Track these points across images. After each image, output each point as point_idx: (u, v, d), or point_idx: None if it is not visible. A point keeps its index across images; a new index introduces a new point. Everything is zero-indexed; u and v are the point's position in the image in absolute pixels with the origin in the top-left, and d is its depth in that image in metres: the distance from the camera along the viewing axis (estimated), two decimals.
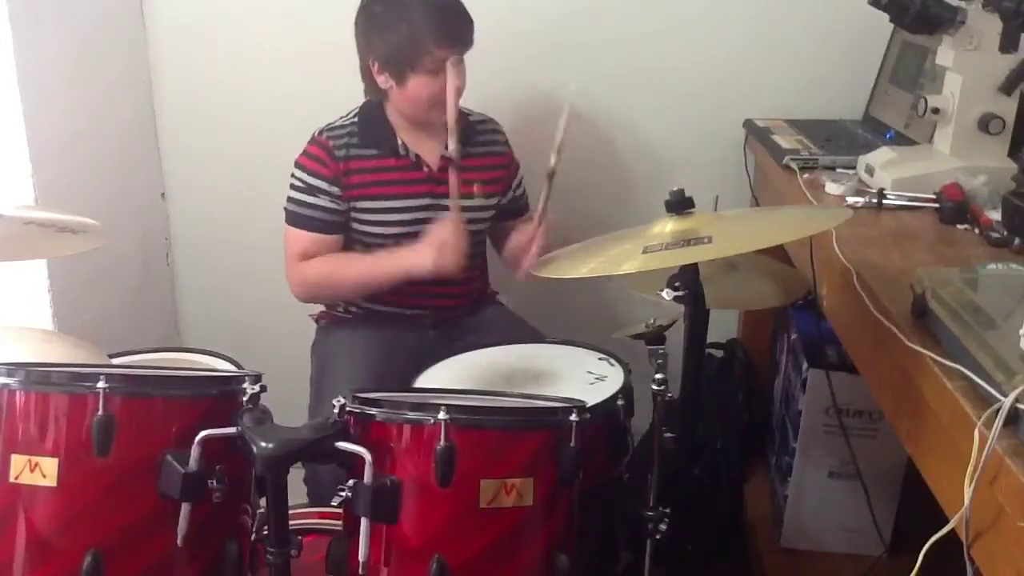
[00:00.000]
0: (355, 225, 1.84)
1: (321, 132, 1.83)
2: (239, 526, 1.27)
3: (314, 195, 1.80)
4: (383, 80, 1.77)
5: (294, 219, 1.82)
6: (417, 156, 1.84)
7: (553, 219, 1.74)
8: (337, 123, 1.85)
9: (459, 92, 1.69)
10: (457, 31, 1.71)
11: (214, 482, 1.18)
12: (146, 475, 1.16)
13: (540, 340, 1.82)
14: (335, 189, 1.80)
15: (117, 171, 2.15)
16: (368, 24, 1.76)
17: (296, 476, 1.36)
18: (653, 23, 2.18)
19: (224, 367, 1.55)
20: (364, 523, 1.19)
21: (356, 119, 1.85)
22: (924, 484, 1.03)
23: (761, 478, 2.22)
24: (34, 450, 1.15)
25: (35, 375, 1.18)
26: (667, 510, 1.37)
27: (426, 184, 1.84)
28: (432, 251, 1.68)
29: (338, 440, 1.20)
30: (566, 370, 1.64)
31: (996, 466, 0.82)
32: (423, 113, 1.78)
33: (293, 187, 1.83)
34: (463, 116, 1.92)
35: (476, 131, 1.92)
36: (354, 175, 1.81)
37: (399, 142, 1.83)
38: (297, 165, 1.83)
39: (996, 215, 1.37)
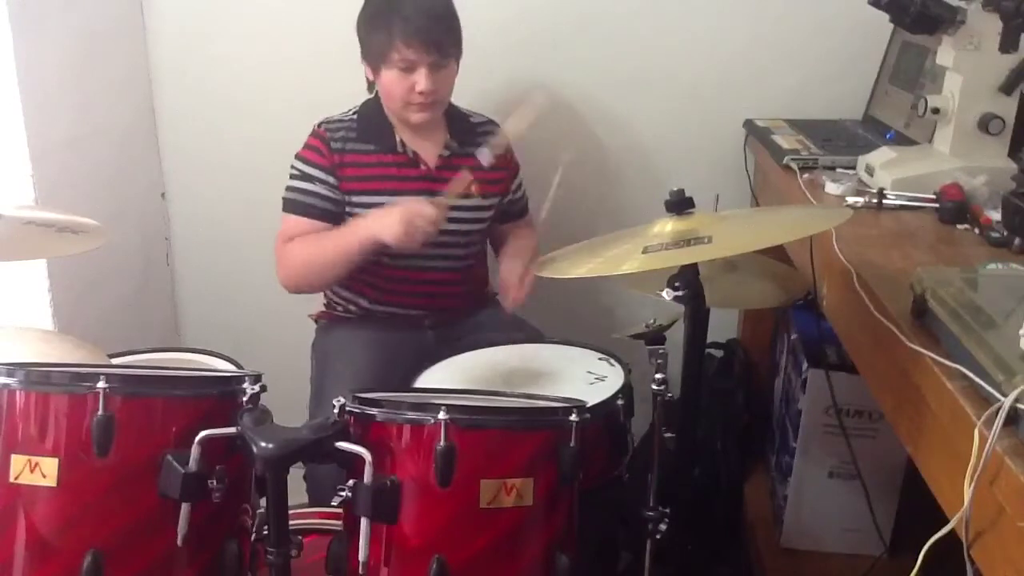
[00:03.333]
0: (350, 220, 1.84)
1: (320, 124, 1.86)
2: (239, 526, 1.27)
3: (310, 182, 1.81)
4: (368, 72, 1.81)
5: (290, 206, 1.83)
6: (415, 153, 1.84)
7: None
8: (336, 117, 1.87)
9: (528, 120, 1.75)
10: (428, 34, 1.71)
11: (214, 482, 1.18)
12: (146, 475, 1.16)
13: (540, 340, 1.82)
14: (331, 179, 1.81)
15: (117, 171, 2.14)
16: (360, 17, 1.78)
17: (296, 476, 1.36)
18: (653, 23, 2.18)
19: (224, 367, 1.55)
20: (364, 523, 1.19)
21: (355, 115, 1.86)
22: (924, 484, 1.03)
23: (761, 478, 2.22)
24: (34, 450, 1.15)
25: (35, 375, 1.18)
26: (667, 510, 1.37)
27: (423, 182, 1.84)
28: (401, 224, 1.64)
29: (338, 440, 1.20)
30: (566, 370, 1.64)
31: (996, 466, 0.82)
32: (396, 108, 1.80)
33: (291, 176, 1.84)
34: (463, 117, 1.93)
35: (477, 132, 1.92)
36: (349, 168, 1.81)
37: (397, 139, 1.83)
38: (296, 157, 1.85)
39: (996, 215, 1.37)
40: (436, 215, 1.66)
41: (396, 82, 1.74)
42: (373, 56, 1.77)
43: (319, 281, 1.88)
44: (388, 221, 1.66)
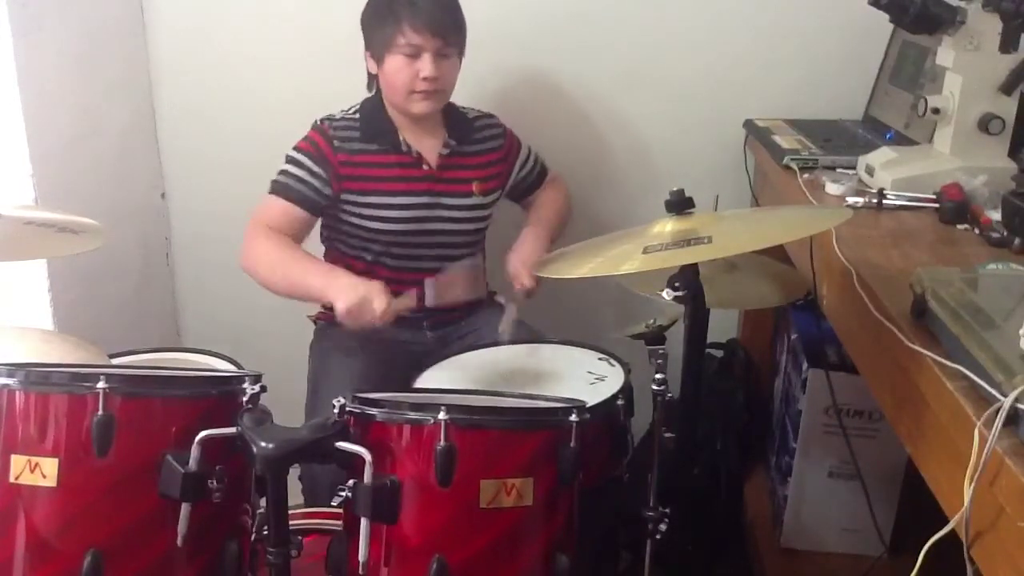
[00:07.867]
0: (353, 220, 1.84)
1: (323, 121, 1.85)
2: (239, 526, 1.27)
3: (299, 167, 1.81)
4: (371, 65, 1.81)
5: (273, 187, 1.82)
6: (418, 153, 1.84)
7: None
8: (339, 116, 1.86)
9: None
10: (435, 20, 1.73)
11: (214, 482, 1.18)
12: (146, 475, 1.16)
13: (540, 340, 1.82)
14: (320, 171, 1.79)
15: (117, 171, 2.15)
16: (367, 10, 1.79)
17: (295, 476, 1.36)
18: (653, 23, 2.18)
19: (224, 367, 1.55)
20: (364, 523, 1.19)
21: (357, 114, 1.86)
22: (924, 484, 1.03)
23: (761, 478, 2.22)
24: (34, 450, 1.15)
25: (35, 375, 1.18)
26: (667, 510, 1.37)
27: (425, 182, 1.84)
28: (354, 303, 1.62)
29: (338, 440, 1.20)
30: (566, 370, 1.64)
31: (996, 466, 0.82)
32: (399, 99, 1.79)
33: (284, 163, 1.83)
34: (462, 115, 1.93)
35: (474, 128, 1.93)
36: (352, 167, 1.81)
37: (401, 139, 1.83)
38: (293, 148, 1.84)
39: (996, 215, 1.37)
40: (384, 314, 1.63)
41: (401, 69, 1.74)
42: (378, 45, 1.76)
43: (270, 288, 1.84)
44: (345, 294, 1.63)
